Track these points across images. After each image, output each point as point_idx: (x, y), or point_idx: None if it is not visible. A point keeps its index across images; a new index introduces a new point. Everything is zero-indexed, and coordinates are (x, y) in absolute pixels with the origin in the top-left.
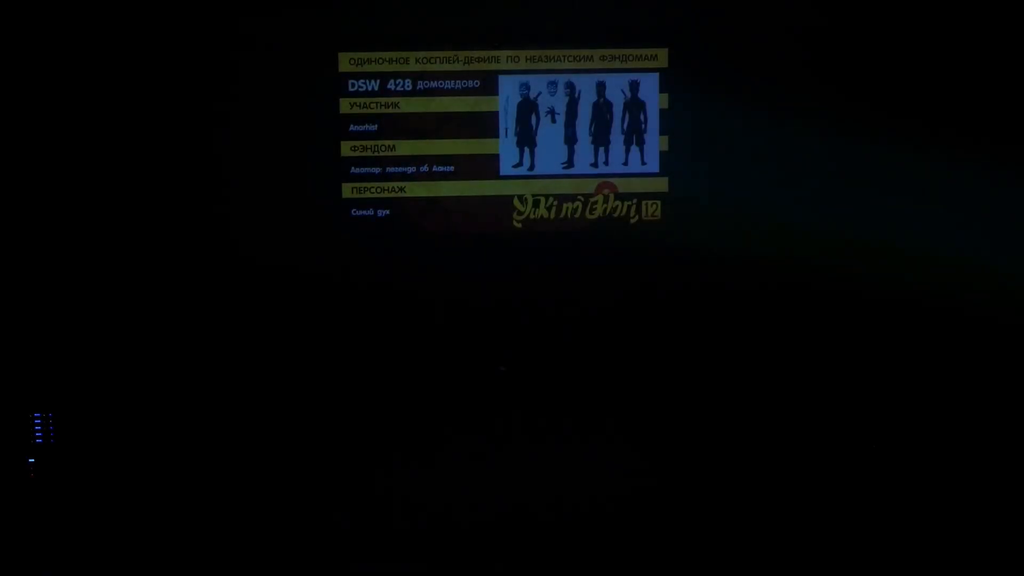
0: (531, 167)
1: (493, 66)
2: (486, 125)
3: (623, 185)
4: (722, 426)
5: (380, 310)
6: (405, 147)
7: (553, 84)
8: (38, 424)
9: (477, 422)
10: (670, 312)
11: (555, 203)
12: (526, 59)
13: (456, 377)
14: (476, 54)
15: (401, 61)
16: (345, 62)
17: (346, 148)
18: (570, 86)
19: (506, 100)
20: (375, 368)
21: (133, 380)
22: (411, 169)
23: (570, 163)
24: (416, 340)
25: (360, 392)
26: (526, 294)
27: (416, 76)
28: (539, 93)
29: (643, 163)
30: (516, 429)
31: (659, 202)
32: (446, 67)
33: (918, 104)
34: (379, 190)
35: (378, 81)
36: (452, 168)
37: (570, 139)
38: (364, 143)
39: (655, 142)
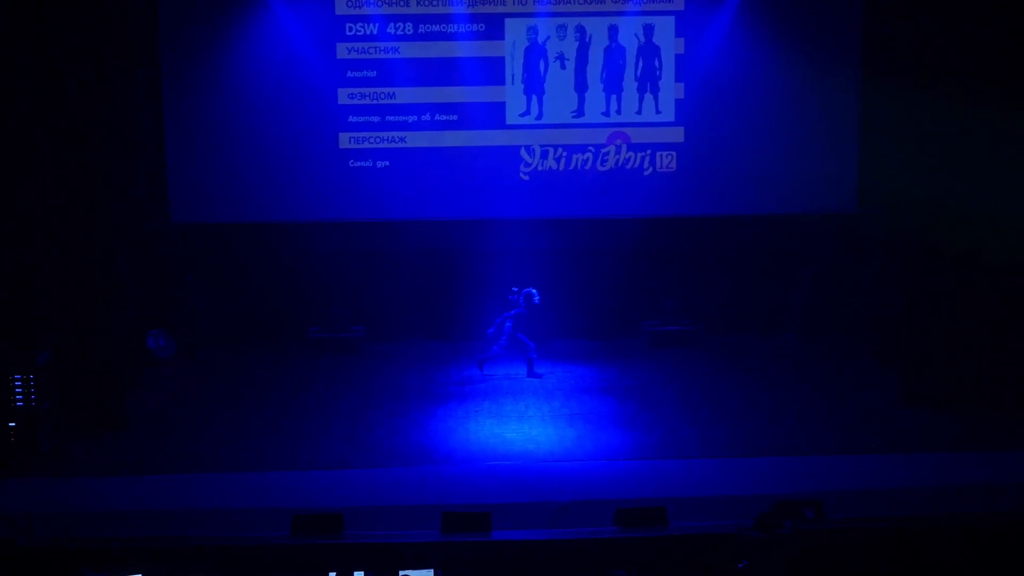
0: (539, 116)
1: (499, 8)
2: (492, 71)
3: (636, 135)
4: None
5: (379, 265)
6: (406, 95)
7: (563, 28)
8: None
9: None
10: (684, 269)
11: (564, 154)
12: (534, 1)
13: (456, 335)
14: None
15: (402, 3)
16: (342, 3)
17: (343, 96)
18: (580, 30)
19: (512, 45)
20: (368, 323)
21: None
22: (412, 118)
23: (580, 112)
24: (418, 297)
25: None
26: (533, 249)
27: (417, 19)
28: (548, 38)
29: (658, 112)
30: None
31: (675, 153)
32: (449, 9)
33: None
34: (378, 140)
35: (377, 25)
36: (455, 117)
37: (580, 87)
38: (362, 90)
39: (671, 90)
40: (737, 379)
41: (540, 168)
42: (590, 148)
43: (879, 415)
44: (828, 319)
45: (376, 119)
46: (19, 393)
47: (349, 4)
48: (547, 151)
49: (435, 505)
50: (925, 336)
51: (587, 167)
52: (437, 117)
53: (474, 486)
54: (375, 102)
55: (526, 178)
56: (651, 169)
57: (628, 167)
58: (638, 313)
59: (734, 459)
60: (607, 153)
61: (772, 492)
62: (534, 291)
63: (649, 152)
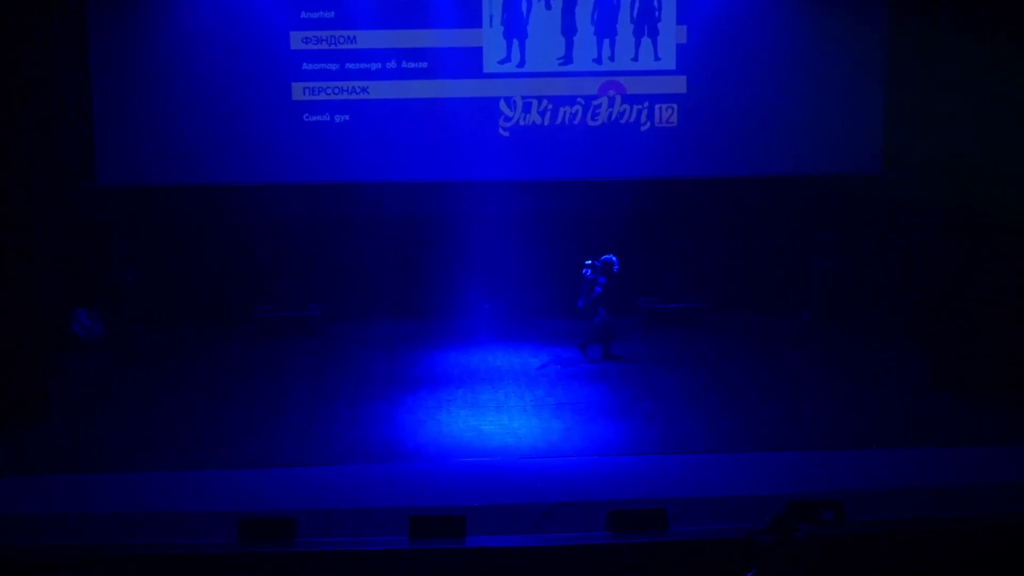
0: (520, 63)
1: None
2: (467, 12)
3: (632, 85)
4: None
5: (338, 234)
6: (368, 38)
7: None
8: None
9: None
10: (686, 238)
11: (550, 107)
12: None
13: (435, 308)
14: None
15: None
16: None
17: (296, 40)
18: None
19: None
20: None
21: None
22: (375, 65)
23: (568, 59)
24: (383, 270)
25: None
26: (514, 215)
27: None
28: None
29: (656, 59)
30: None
31: (676, 106)
32: None
33: None
34: (337, 91)
35: None
36: (425, 64)
37: (568, 30)
38: (318, 34)
39: (671, 33)
40: (747, 363)
41: (522, 123)
42: (579, 100)
43: (908, 403)
44: (850, 295)
45: (334, 67)
46: None
47: None
48: (530, 104)
49: (402, 508)
50: (960, 313)
51: (575, 122)
52: (404, 64)
53: (446, 486)
54: (333, 47)
55: (506, 134)
56: (649, 124)
57: (622, 122)
58: (634, 288)
59: (743, 454)
60: (598, 106)
61: (786, 491)
62: (613, 258)
63: (646, 105)
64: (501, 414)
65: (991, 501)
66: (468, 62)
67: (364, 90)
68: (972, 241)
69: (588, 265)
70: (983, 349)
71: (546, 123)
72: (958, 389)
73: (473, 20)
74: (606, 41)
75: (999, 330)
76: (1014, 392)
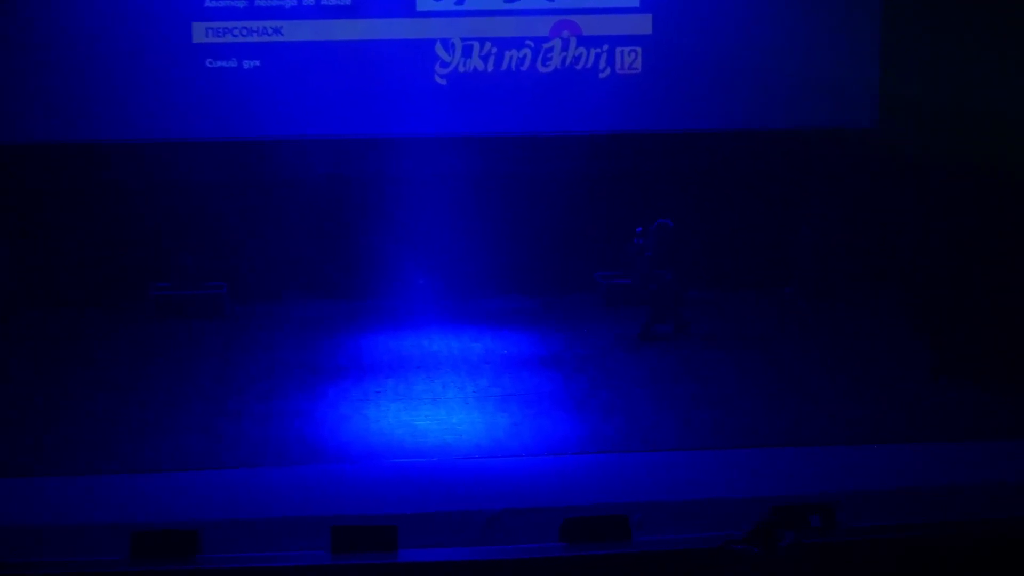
0: (459, 0)
1: None
2: None
3: (589, 25)
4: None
5: (248, 199)
6: None
7: None
8: None
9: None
10: (653, 202)
11: (494, 51)
12: None
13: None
14: None
15: None
16: None
17: None
18: None
19: None
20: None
21: None
22: (290, 2)
23: None
24: (301, 242)
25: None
26: (453, 175)
27: None
28: None
29: None
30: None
31: (640, 49)
32: None
33: None
34: (245, 32)
35: None
36: (349, 1)
37: None
38: None
39: None
40: (723, 346)
41: (462, 69)
42: (528, 43)
43: (908, 392)
44: (840, 267)
45: (241, 4)
46: None
47: None
48: (471, 47)
49: (323, 517)
50: (968, 289)
51: (524, 68)
52: (324, 1)
53: (375, 491)
54: None
55: (443, 82)
56: (609, 70)
57: (578, 67)
58: (592, 260)
59: (718, 451)
60: (550, 49)
61: (768, 494)
62: (668, 222)
63: (606, 48)
64: (438, 407)
65: (1003, 503)
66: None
67: (277, 31)
68: (981, 204)
69: (639, 234)
70: (993, 330)
71: (490, 69)
72: (965, 375)
73: None
74: None
75: (1012, 308)
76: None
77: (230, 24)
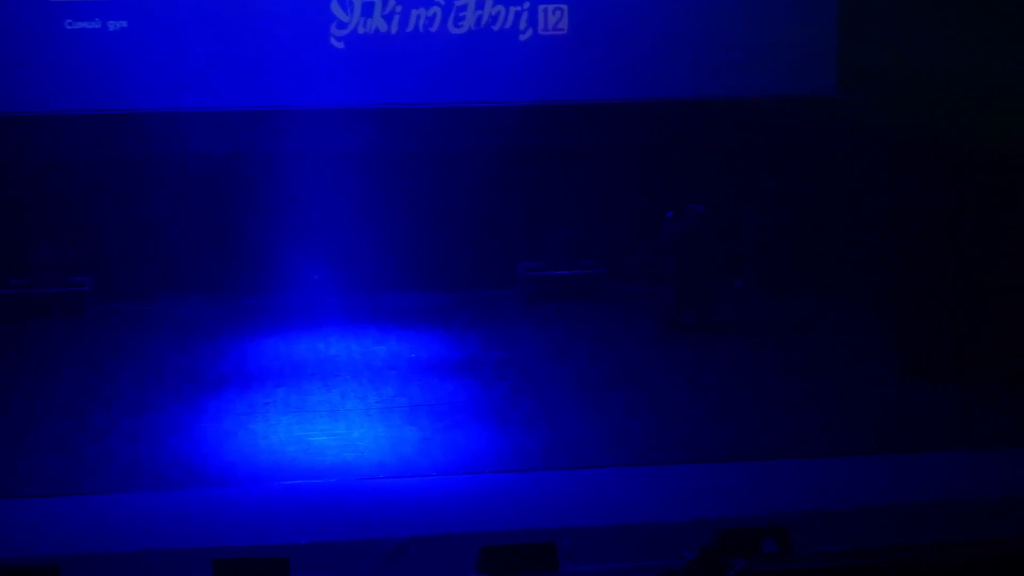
0: None
1: None
2: None
3: None
4: None
5: (115, 183)
6: None
7: None
8: None
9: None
10: (582, 183)
11: (398, 9)
12: None
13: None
14: None
15: None
16: None
17: None
18: None
19: None
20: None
21: None
22: None
23: None
24: (177, 231)
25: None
26: (353, 153)
27: None
28: None
29: None
30: None
31: (565, 8)
32: None
33: None
34: None
35: None
36: None
37: None
38: None
39: None
40: (661, 347)
41: (362, 30)
42: (437, 0)
43: (872, 397)
44: (796, 255)
45: None
46: None
47: None
48: (372, 4)
49: (204, 549)
50: (938, 279)
51: (433, 28)
52: None
53: (263, 518)
54: None
55: (340, 45)
56: (530, 31)
57: (495, 28)
58: (513, 251)
59: (658, 467)
60: (463, 7)
61: (715, 515)
62: (699, 207)
63: (527, 6)
64: (337, 421)
65: (978, 522)
66: None
67: None
68: (955, 182)
69: (669, 219)
70: (969, 326)
71: (394, 31)
72: (936, 378)
73: None
74: None
75: (990, 300)
76: (1006, 381)
77: None
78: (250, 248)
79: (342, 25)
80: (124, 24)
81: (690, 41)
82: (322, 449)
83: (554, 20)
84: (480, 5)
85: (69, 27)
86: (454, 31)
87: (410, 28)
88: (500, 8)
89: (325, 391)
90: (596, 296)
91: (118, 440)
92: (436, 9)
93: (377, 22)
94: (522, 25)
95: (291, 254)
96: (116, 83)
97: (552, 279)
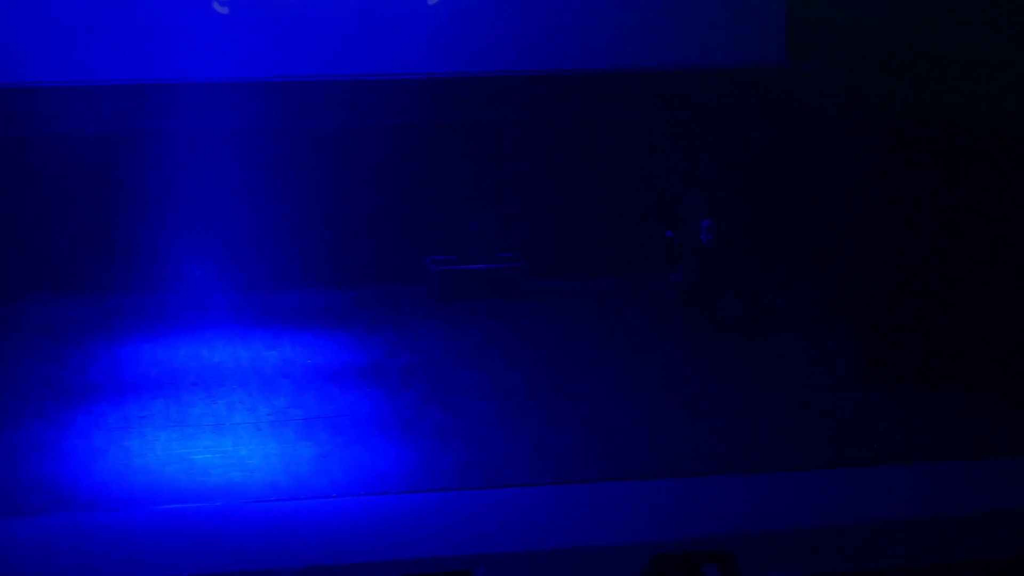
0: None
1: None
2: None
3: None
4: None
5: None
6: None
7: None
8: None
9: None
10: (498, 165)
11: None
12: None
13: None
14: None
15: None
16: None
17: None
18: None
19: None
20: None
21: None
22: None
23: None
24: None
25: None
26: (238, 131)
27: None
28: None
29: None
30: None
31: None
32: None
33: None
34: None
35: None
36: None
37: None
38: None
39: None
40: (588, 349)
41: None
42: None
43: (824, 405)
44: (739, 244)
45: None
46: None
47: None
48: None
49: None
50: (899, 271)
51: None
52: None
53: (139, 547)
54: None
55: (224, 10)
56: None
57: None
58: (420, 242)
59: (587, 485)
60: None
61: (650, 539)
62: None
63: None
64: (222, 436)
65: (946, 542)
66: None
67: None
68: (914, 160)
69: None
70: (934, 324)
71: None
72: (897, 381)
73: None
74: None
75: (956, 293)
76: (975, 386)
77: None
78: (124, 241)
79: None
80: None
81: (624, 6)
82: (206, 468)
83: None
84: None
85: None
86: None
87: None
88: None
89: (209, 403)
90: (514, 293)
91: None
92: None
93: None
94: None
95: (170, 247)
96: None
97: (465, 274)
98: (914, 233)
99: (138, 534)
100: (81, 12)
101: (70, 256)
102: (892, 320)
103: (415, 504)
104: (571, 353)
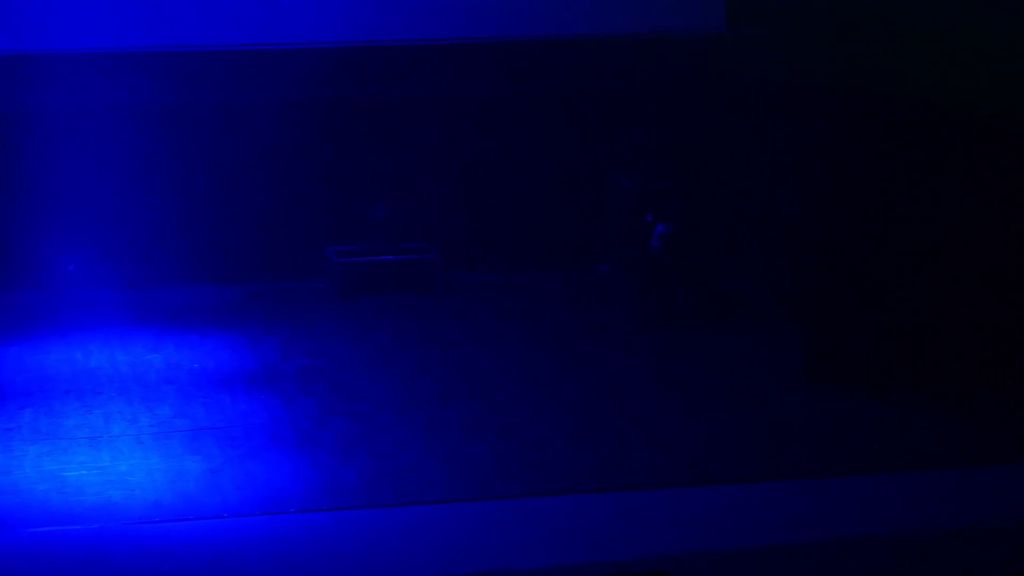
0: None
1: None
2: None
3: None
4: None
5: None
6: None
7: None
8: None
9: None
10: (406, 145)
11: None
12: None
13: None
14: None
15: None
16: None
17: None
18: None
19: None
20: None
21: None
22: None
23: None
24: None
25: None
26: (109, 105)
27: None
28: None
29: None
30: None
31: None
32: None
33: None
34: None
35: None
36: None
37: None
38: None
39: None
40: (510, 350)
41: None
42: None
43: (770, 408)
44: (677, 227)
45: None
46: None
47: None
48: None
49: None
50: (852, 260)
51: None
52: None
53: (7, 574)
54: None
55: None
56: None
57: None
58: (321, 231)
59: (508, 501)
60: None
61: (581, 559)
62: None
63: None
64: (100, 450)
65: (904, 561)
66: None
67: None
68: (867, 144)
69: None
70: (890, 318)
71: None
72: (852, 382)
73: None
74: None
75: (913, 283)
76: (935, 387)
77: None
78: None
79: None
80: None
81: None
82: (81, 486)
83: None
84: None
85: None
86: None
87: None
88: None
89: (84, 413)
90: (427, 287)
91: None
92: None
93: None
94: None
95: (39, 239)
96: None
97: (371, 266)
98: (868, 219)
99: (6, 560)
100: None
101: None
102: (843, 316)
103: (316, 524)
104: (492, 354)
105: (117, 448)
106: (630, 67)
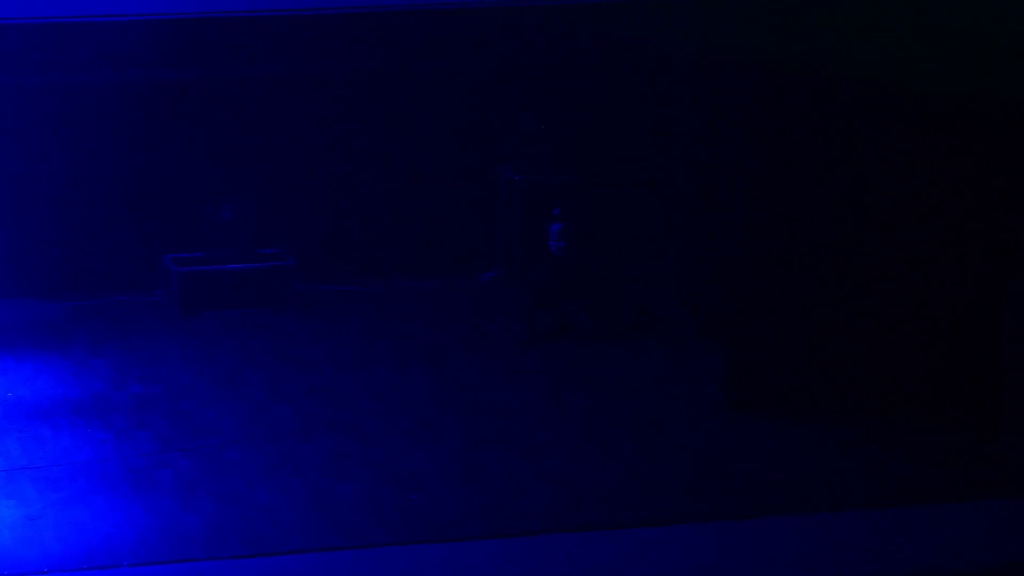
0: None
1: None
2: None
3: None
4: None
5: None
6: None
7: None
8: None
9: None
10: (247, 127)
11: None
12: None
13: None
14: None
15: None
16: None
17: None
18: None
19: None
20: None
21: None
22: None
23: None
24: None
25: None
26: None
27: None
28: None
29: None
30: None
31: None
32: None
33: None
34: None
35: None
36: None
37: None
38: None
39: None
40: (382, 372)
41: None
42: None
43: (689, 439)
44: (571, 226)
45: None
46: None
47: None
48: None
49: None
50: (780, 272)
51: None
52: None
53: None
54: None
55: None
56: None
57: None
58: (157, 236)
59: (377, 549)
60: None
61: None
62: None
63: None
64: None
65: None
66: None
67: None
68: (794, 128)
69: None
70: (818, 336)
71: None
72: (776, 412)
73: None
74: None
75: (840, 298)
76: (870, 413)
77: None
78: None
79: None
80: None
81: None
82: None
83: None
84: None
85: None
86: None
87: None
88: None
89: None
90: (282, 300)
91: None
92: None
93: None
94: None
95: None
96: None
97: (217, 276)
98: (801, 220)
99: None
100: None
101: None
102: (769, 334)
103: None
104: (358, 378)
105: None
106: (520, 40)
